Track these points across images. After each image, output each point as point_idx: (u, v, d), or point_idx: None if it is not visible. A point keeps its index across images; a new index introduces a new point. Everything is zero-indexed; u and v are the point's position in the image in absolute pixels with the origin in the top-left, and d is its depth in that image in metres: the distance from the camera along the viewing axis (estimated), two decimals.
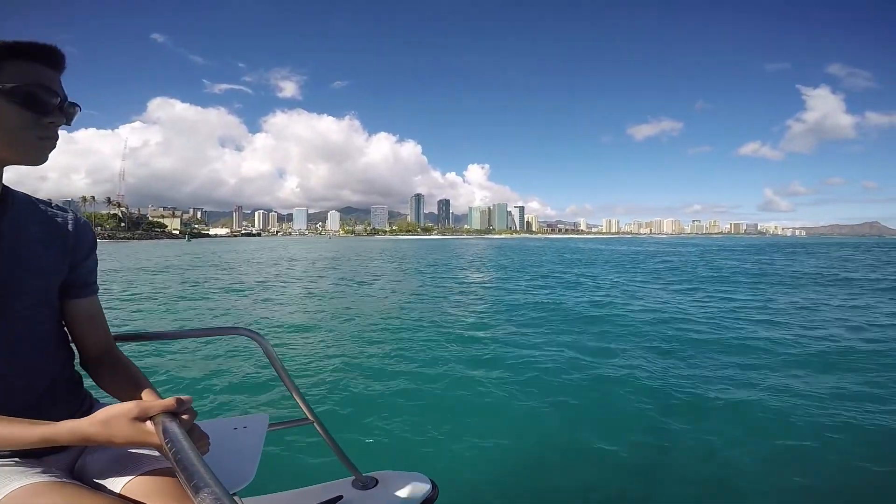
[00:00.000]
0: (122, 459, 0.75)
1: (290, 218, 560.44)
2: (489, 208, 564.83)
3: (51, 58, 0.68)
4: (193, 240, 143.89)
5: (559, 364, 5.11)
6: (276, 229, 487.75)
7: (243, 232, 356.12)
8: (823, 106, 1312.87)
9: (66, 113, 0.71)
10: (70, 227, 0.81)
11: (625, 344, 6.05)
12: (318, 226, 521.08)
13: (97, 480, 0.73)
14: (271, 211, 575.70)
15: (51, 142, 0.70)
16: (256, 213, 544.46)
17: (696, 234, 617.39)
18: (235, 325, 1.06)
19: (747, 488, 2.67)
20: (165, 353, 5.38)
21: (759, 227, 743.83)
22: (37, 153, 0.69)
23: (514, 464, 2.94)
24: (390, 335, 6.79)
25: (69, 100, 0.71)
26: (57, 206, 0.82)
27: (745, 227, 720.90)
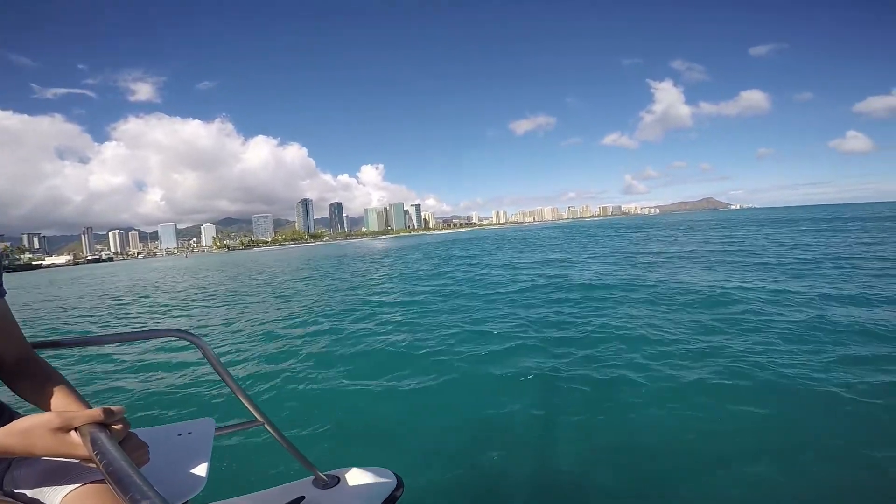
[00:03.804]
0: (60, 470, 0.69)
1: (155, 236, 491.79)
2: (385, 209, 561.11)
3: None
4: None
5: (519, 358, 4.89)
6: (137, 251, 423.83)
7: (90, 258, 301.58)
8: (667, 98, 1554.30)
9: None
10: None
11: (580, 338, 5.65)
12: (191, 242, 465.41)
13: (31, 494, 0.67)
14: (131, 230, 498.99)
15: None
16: (111, 234, 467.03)
17: (572, 218, 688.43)
18: (170, 327, 0.98)
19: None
20: (96, 361, 5.03)
21: (622, 209, 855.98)
22: None
23: (481, 457, 2.85)
24: (334, 331, 6.41)
25: None
26: None
27: (611, 210, 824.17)
